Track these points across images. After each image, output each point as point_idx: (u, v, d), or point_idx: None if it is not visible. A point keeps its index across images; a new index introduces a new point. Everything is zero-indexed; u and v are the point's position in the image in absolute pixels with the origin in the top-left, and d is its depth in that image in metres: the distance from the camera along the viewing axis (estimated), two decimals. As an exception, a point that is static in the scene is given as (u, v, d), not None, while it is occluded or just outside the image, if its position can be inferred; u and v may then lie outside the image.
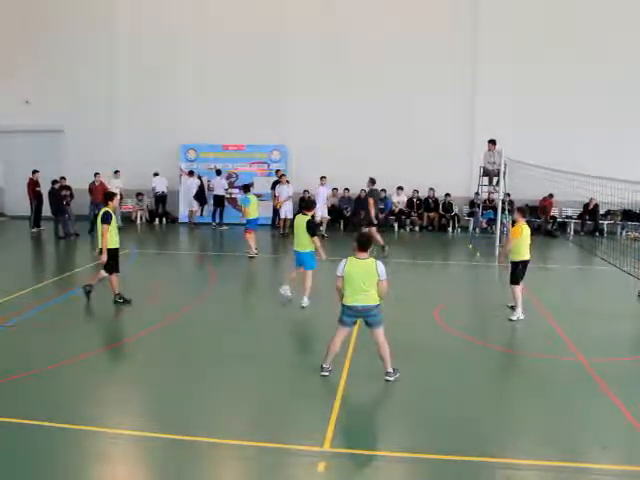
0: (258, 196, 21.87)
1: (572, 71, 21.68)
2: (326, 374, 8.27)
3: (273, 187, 21.90)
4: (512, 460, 6.36)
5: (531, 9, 21.99)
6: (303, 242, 11.66)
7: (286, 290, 12.12)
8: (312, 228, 11.64)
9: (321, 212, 20.79)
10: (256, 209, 17.28)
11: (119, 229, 12.33)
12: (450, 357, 9.34)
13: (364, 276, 7.88)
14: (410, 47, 22.37)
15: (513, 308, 11.42)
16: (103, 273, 11.78)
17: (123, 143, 23.96)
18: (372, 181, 17.65)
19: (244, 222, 17.63)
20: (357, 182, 20.71)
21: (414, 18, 22.42)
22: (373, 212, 17.02)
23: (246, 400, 7.69)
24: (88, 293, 11.92)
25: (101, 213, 11.57)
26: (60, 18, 24.01)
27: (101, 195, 21.31)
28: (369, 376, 8.30)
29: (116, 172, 22.70)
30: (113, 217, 11.53)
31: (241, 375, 8.44)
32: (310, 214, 11.85)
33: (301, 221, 11.67)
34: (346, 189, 22.79)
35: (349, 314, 8.07)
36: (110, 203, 11.55)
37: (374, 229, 16.83)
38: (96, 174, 21.55)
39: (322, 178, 21.23)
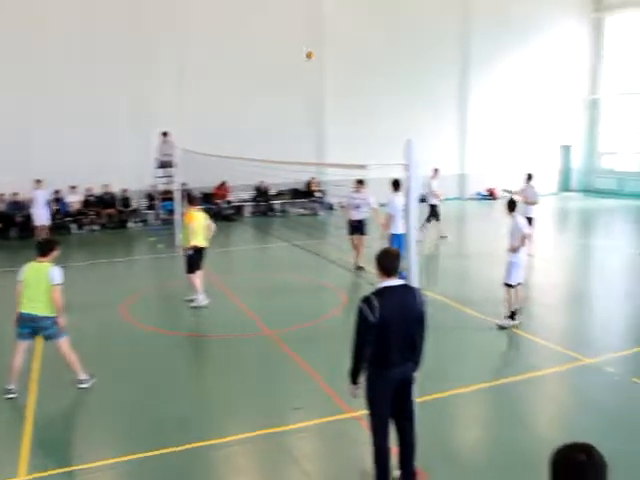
0: None
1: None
2: (12, 396, 7.61)
3: None
4: (216, 440, 6.64)
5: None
6: None
7: None
8: None
9: (40, 219, 18.58)
10: None
11: None
12: (143, 352, 9.36)
13: (36, 281, 7.48)
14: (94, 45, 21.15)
15: (192, 300, 11.54)
16: None
17: None
18: None
19: None
20: (26, 185, 19.13)
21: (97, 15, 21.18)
22: None
23: None
24: None
25: None
26: None
27: None
28: (62, 387, 7.89)
29: None
30: None
31: None
32: None
33: None
34: (15, 193, 20.72)
35: (23, 325, 7.56)
36: None
37: None
38: None
39: (37, 182, 18.92)
